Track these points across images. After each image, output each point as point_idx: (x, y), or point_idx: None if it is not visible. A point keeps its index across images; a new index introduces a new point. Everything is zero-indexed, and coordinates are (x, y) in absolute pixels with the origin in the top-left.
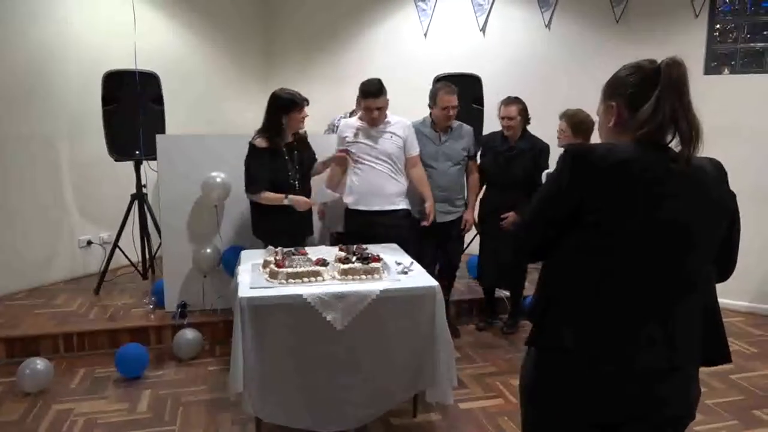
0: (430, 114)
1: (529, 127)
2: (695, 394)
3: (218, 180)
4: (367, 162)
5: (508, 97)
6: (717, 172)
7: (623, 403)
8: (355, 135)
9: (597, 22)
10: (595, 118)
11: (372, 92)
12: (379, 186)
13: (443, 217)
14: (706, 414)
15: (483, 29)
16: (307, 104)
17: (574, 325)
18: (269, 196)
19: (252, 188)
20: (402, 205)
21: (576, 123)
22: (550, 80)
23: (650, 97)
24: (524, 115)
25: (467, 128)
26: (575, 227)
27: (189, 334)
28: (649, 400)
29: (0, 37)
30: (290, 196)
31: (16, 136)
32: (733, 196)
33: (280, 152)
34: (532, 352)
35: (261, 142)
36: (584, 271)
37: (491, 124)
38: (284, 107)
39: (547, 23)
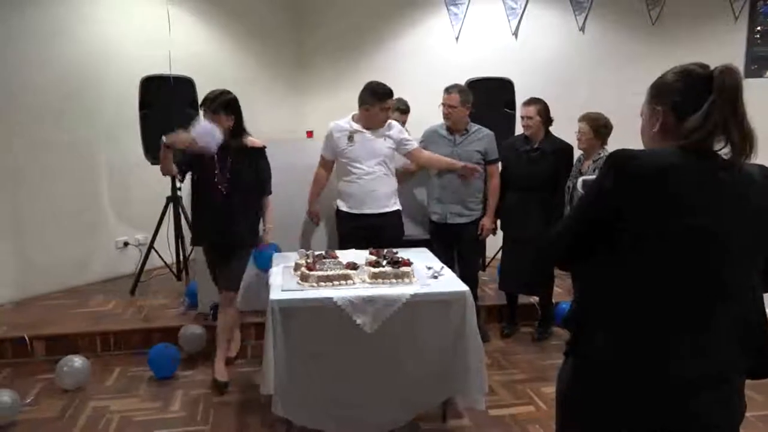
0: None
1: (563, 131)
2: (740, 408)
3: None
4: (362, 166)
5: (529, 98)
6: (765, 180)
7: (660, 413)
8: (350, 139)
9: (632, 25)
10: (614, 119)
11: (389, 92)
12: (375, 189)
13: (456, 218)
14: (745, 428)
15: (515, 33)
16: (210, 108)
17: (612, 335)
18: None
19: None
20: (396, 206)
21: (599, 126)
22: (584, 84)
23: (699, 104)
24: (544, 116)
25: (486, 132)
26: (615, 235)
27: (196, 329)
28: (686, 411)
29: (41, 45)
30: (166, 137)
31: (56, 141)
32: None
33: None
34: (570, 361)
35: None
36: (622, 280)
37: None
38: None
39: (580, 27)
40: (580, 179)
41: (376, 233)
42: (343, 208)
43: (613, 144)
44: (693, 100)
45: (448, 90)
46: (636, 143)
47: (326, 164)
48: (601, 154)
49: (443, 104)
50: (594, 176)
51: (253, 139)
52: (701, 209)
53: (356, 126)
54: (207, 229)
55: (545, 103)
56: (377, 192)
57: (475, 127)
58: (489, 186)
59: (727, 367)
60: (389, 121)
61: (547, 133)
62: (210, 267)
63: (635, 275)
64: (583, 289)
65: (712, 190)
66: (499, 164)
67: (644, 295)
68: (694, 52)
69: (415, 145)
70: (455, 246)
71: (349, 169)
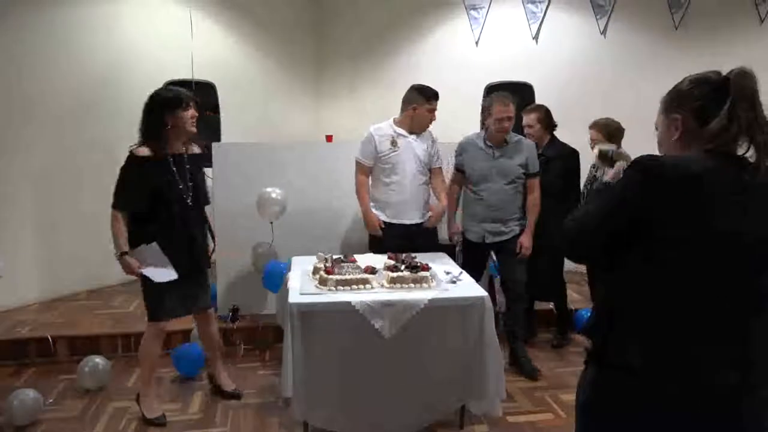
0: (486, 127)
1: (584, 136)
2: None
3: (273, 195)
4: (404, 172)
5: (529, 106)
6: None
7: (693, 426)
8: (393, 144)
9: (655, 29)
10: (635, 123)
11: (436, 93)
12: (417, 196)
13: (492, 237)
14: None
15: (536, 37)
16: (197, 104)
17: (642, 343)
18: (115, 227)
19: (118, 204)
20: (429, 213)
21: (611, 131)
22: (606, 89)
23: (719, 108)
24: (544, 122)
25: (527, 143)
26: (643, 240)
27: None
28: (721, 424)
29: (65, 49)
30: (126, 257)
31: (80, 143)
32: None
33: (166, 162)
34: (592, 369)
35: (142, 150)
36: (653, 287)
37: None
38: (167, 105)
39: (602, 30)
40: (597, 147)
41: (411, 241)
42: (381, 216)
43: (632, 148)
44: (712, 104)
45: (502, 101)
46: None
47: (366, 170)
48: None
49: (500, 117)
50: (609, 145)
51: (194, 145)
52: (733, 214)
53: (399, 130)
54: (180, 251)
55: (545, 110)
56: (417, 200)
57: (515, 137)
58: (529, 201)
59: (764, 373)
60: (429, 130)
61: (553, 138)
62: (167, 293)
63: (670, 282)
64: (608, 297)
65: (745, 194)
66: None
67: (680, 302)
68: (718, 57)
69: (440, 164)
70: (496, 264)
71: (389, 175)
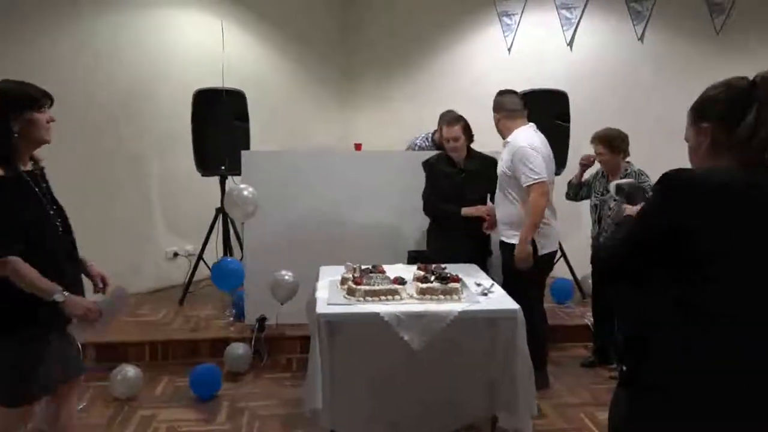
0: None
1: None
2: None
3: (245, 194)
4: None
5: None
6: None
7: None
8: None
9: (695, 35)
10: (672, 131)
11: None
12: (497, 211)
13: None
14: None
15: (570, 43)
16: (51, 104)
17: (679, 365)
18: (25, 273)
19: (3, 248)
20: (508, 238)
21: (612, 142)
22: (643, 96)
23: (745, 114)
24: (468, 134)
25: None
26: (677, 259)
27: (241, 349)
28: None
29: (100, 61)
30: (67, 294)
31: (112, 152)
32: None
33: (25, 183)
34: (625, 393)
35: None
36: (690, 306)
37: (576, 142)
38: (13, 105)
39: (639, 36)
40: (613, 183)
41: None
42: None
43: (671, 159)
44: (738, 110)
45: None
46: None
47: None
48: (628, 170)
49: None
50: (627, 180)
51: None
52: None
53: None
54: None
55: (465, 121)
56: (498, 216)
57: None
58: None
59: None
60: (516, 141)
61: (469, 150)
62: (43, 361)
63: (708, 300)
64: (642, 318)
65: None
66: None
67: (719, 321)
68: (763, 64)
69: (529, 181)
70: None
71: None
